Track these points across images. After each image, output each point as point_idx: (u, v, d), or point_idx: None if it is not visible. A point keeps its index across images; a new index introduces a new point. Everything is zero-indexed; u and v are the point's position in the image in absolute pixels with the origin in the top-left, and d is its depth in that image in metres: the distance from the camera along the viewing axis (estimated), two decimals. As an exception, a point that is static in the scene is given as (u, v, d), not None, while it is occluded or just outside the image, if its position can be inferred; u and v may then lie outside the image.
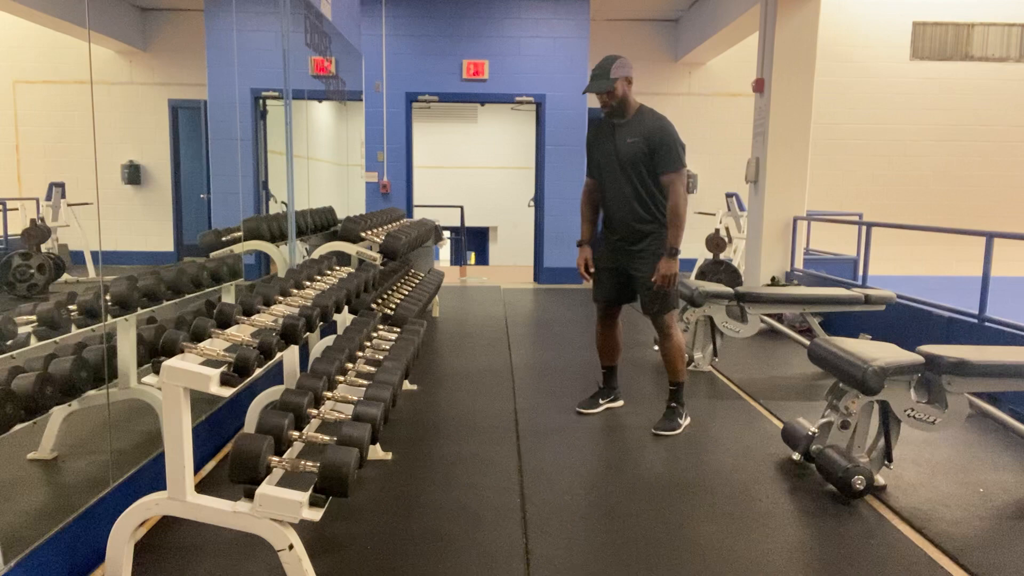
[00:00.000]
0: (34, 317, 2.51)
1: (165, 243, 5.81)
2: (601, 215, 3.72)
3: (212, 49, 4.69)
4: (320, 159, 6.07)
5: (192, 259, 3.65)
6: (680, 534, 2.51)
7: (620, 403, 3.93)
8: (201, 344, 2.00)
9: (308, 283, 2.92)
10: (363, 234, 4.25)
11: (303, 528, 1.99)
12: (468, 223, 11.22)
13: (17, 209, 4.23)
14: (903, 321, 5.04)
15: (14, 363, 2.30)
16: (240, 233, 3.90)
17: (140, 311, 2.76)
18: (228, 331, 2.13)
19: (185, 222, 5.82)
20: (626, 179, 3.47)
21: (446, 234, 9.09)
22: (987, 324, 4.31)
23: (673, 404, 3.63)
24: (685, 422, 3.62)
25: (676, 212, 3.44)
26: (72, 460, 2.71)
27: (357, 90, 7.40)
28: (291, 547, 1.85)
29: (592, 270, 3.66)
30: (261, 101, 5.24)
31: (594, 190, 3.70)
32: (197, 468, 2.87)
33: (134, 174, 5.77)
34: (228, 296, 3.59)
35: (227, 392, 1.89)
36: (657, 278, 3.41)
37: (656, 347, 4.94)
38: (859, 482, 2.72)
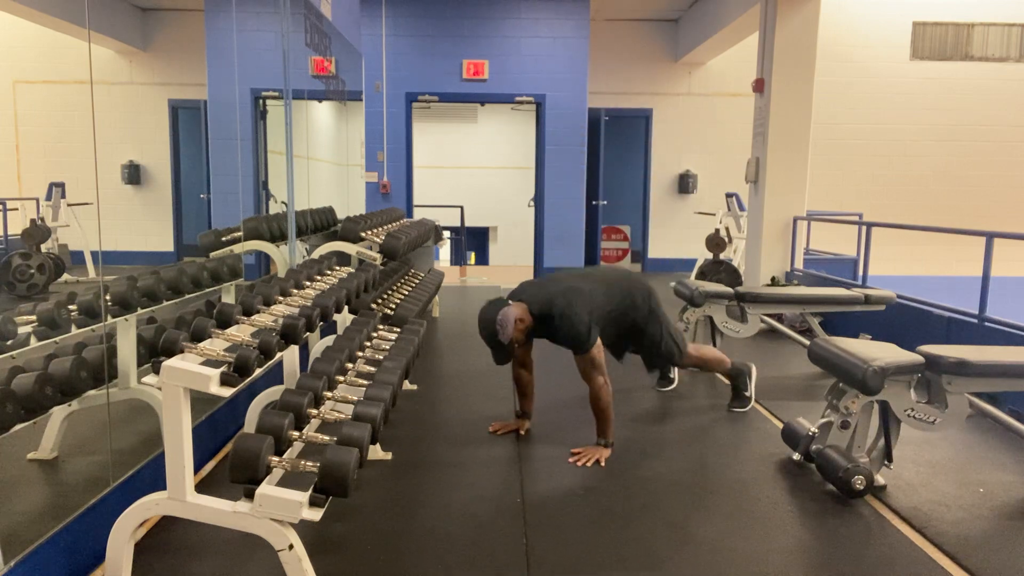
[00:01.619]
0: (34, 317, 2.51)
1: (165, 243, 5.81)
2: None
3: (212, 49, 4.69)
4: (320, 159, 6.07)
5: (192, 259, 3.65)
6: (680, 534, 2.51)
7: (674, 385, 4.14)
8: (201, 344, 2.00)
9: (308, 283, 2.92)
10: (363, 234, 4.24)
11: (303, 528, 1.99)
12: (468, 223, 11.22)
13: (17, 209, 4.24)
14: (903, 321, 5.04)
15: (14, 363, 2.30)
16: (240, 233, 3.90)
17: (140, 311, 2.77)
18: (228, 331, 2.13)
19: (185, 222, 5.82)
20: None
21: (446, 234, 9.09)
22: (987, 324, 4.31)
23: (736, 385, 3.97)
24: (749, 392, 3.97)
25: (596, 404, 3.22)
26: (72, 460, 2.71)
27: (357, 90, 7.40)
28: (291, 547, 1.85)
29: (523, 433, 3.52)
30: (261, 101, 5.24)
31: (524, 362, 3.53)
32: (197, 468, 2.87)
33: (134, 174, 5.77)
34: (228, 296, 3.59)
35: (227, 392, 1.89)
36: (584, 454, 3.18)
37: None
38: (859, 482, 2.72)
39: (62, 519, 2.09)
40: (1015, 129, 10.29)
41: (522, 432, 3.52)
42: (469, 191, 13.48)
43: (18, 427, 2.12)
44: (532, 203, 9.68)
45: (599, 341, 3.24)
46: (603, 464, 3.12)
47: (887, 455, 2.88)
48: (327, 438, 2.00)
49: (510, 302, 3.23)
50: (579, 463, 3.13)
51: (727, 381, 4.03)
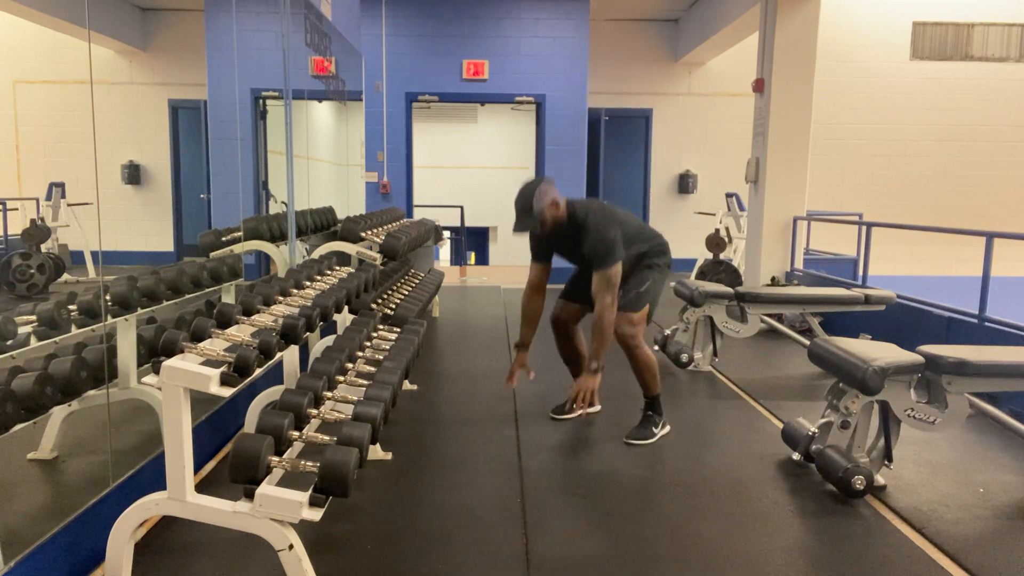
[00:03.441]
0: (34, 317, 2.51)
1: (165, 243, 5.81)
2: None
3: (212, 49, 4.69)
4: (320, 159, 6.07)
5: (192, 259, 3.65)
6: (680, 534, 2.51)
7: (597, 408, 3.79)
8: (201, 344, 2.00)
9: (308, 283, 2.92)
10: (363, 234, 4.24)
11: (303, 528, 1.99)
12: (468, 223, 11.21)
13: (17, 209, 4.24)
14: (903, 321, 5.04)
15: (14, 363, 2.30)
16: (240, 233, 3.90)
17: (140, 311, 2.76)
18: (228, 331, 2.13)
19: (185, 222, 5.83)
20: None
21: (446, 234, 9.08)
22: (987, 324, 4.31)
23: (649, 412, 3.48)
24: (661, 431, 3.43)
25: (600, 323, 3.19)
26: (72, 460, 2.71)
27: (357, 90, 7.40)
28: (291, 547, 1.85)
29: (532, 375, 3.53)
30: (261, 101, 5.24)
31: (539, 286, 3.51)
32: (197, 468, 2.87)
33: (134, 174, 5.78)
34: (228, 296, 3.59)
35: (227, 392, 1.89)
36: (571, 394, 3.21)
37: (657, 347, 4.96)
38: (859, 482, 2.72)
39: (62, 519, 2.09)
40: (1015, 129, 10.30)
41: (530, 376, 3.54)
42: (469, 191, 13.46)
43: (18, 427, 2.11)
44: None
45: (619, 263, 3.23)
46: (595, 403, 3.18)
47: (887, 455, 2.88)
48: (327, 438, 2.00)
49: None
50: (577, 410, 3.23)
51: (644, 396, 3.51)
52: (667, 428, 3.50)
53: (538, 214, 3.18)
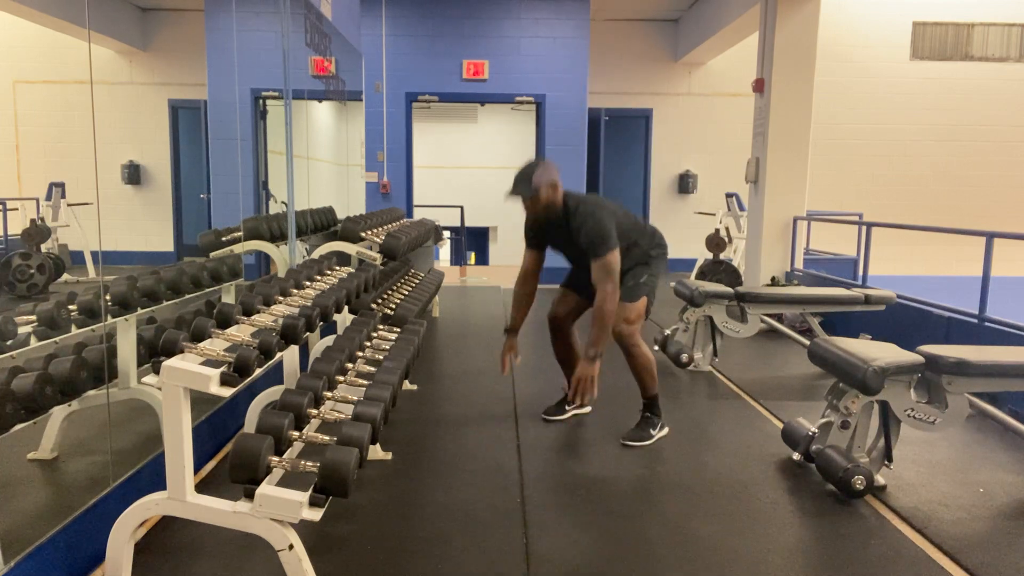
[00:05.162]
0: (34, 317, 2.51)
1: (165, 243, 5.81)
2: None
3: (212, 49, 4.69)
4: (320, 159, 6.07)
5: (192, 259, 3.65)
6: (680, 534, 2.51)
7: (588, 409, 3.78)
8: (201, 344, 2.00)
9: (308, 283, 2.92)
10: (363, 234, 4.24)
11: (303, 528, 1.99)
12: (468, 223, 11.21)
13: (17, 209, 4.24)
14: (903, 321, 5.04)
15: (14, 363, 2.30)
16: (240, 233, 3.90)
17: (140, 311, 2.76)
18: (228, 331, 2.13)
19: (185, 222, 5.83)
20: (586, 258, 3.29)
21: (446, 234, 9.08)
22: (987, 324, 4.31)
23: (647, 414, 3.46)
24: (659, 433, 3.42)
25: (601, 311, 3.17)
26: (72, 460, 2.71)
27: (357, 90, 7.40)
28: (291, 547, 1.85)
29: (518, 360, 3.55)
30: (261, 101, 5.24)
31: (532, 272, 3.53)
32: (197, 468, 2.87)
33: (134, 174, 5.78)
34: (228, 296, 3.59)
35: (227, 392, 1.89)
36: (572, 381, 3.21)
37: (656, 346, 4.95)
38: (859, 482, 2.72)
39: (62, 519, 2.09)
40: (1015, 129, 10.30)
41: (516, 361, 3.54)
42: (469, 191, 13.46)
43: (18, 427, 2.11)
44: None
45: (616, 250, 3.23)
46: (595, 392, 3.15)
47: (887, 455, 2.88)
48: (327, 438, 2.00)
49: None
50: (578, 401, 3.21)
51: (642, 397, 3.49)
52: (665, 430, 3.49)
53: (535, 187, 3.20)
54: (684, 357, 4.67)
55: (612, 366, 4.60)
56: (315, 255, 3.91)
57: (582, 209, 3.26)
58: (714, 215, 8.92)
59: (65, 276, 3.94)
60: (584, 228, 3.22)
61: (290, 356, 2.96)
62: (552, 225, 3.38)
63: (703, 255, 8.07)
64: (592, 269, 3.23)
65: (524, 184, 3.22)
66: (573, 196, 3.35)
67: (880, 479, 2.89)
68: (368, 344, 2.92)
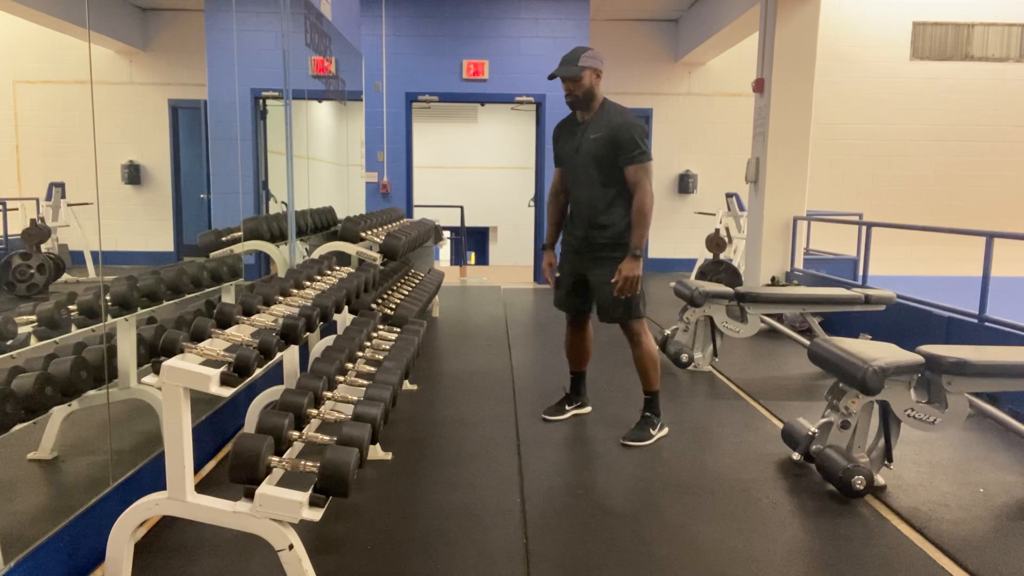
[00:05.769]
0: (34, 317, 2.51)
1: (165, 243, 5.80)
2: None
3: (212, 49, 4.69)
4: (320, 159, 6.07)
5: (192, 259, 3.65)
6: (680, 534, 2.51)
7: (587, 409, 3.79)
8: (201, 344, 2.00)
9: (308, 283, 2.92)
10: (363, 234, 4.24)
11: (303, 528, 1.99)
12: (468, 223, 11.21)
13: (17, 209, 4.24)
14: (903, 321, 5.04)
15: (14, 363, 2.30)
16: (240, 233, 3.90)
17: (140, 311, 2.76)
18: (228, 331, 2.13)
19: (185, 222, 5.82)
20: (589, 178, 3.33)
21: (446, 234, 9.09)
22: (987, 324, 4.31)
23: (647, 414, 3.46)
24: (659, 433, 3.43)
25: (641, 210, 3.24)
26: (72, 460, 2.71)
27: (357, 90, 7.40)
28: (291, 547, 1.85)
29: (558, 275, 3.58)
30: (261, 101, 5.24)
31: (561, 188, 3.57)
32: (197, 468, 2.87)
33: (134, 174, 5.77)
34: (228, 296, 3.59)
35: (227, 392, 1.89)
36: (618, 278, 3.22)
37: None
38: (859, 482, 2.72)
39: (62, 519, 2.09)
40: (1015, 129, 10.29)
41: (554, 277, 3.61)
42: (469, 191, 13.48)
43: (18, 427, 2.11)
44: (532, 203, 9.68)
45: (651, 164, 3.29)
46: (638, 286, 3.22)
47: (887, 455, 2.88)
48: (327, 438, 2.00)
49: None
50: (617, 292, 3.23)
51: (644, 393, 3.50)
52: (665, 430, 3.49)
53: (579, 69, 3.22)
54: (684, 357, 4.67)
55: (612, 366, 4.61)
56: (315, 255, 3.91)
57: (624, 118, 3.29)
58: (714, 215, 8.92)
59: (65, 276, 3.94)
60: (623, 135, 3.23)
61: (290, 356, 2.96)
62: (577, 127, 3.39)
63: (703, 255, 8.07)
64: (627, 172, 3.27)
65: (570, 64, 3.23)
66: (615, 103, 3.38)
67: (880, 479, 2.90)
68: (368, 344, 2.92)
